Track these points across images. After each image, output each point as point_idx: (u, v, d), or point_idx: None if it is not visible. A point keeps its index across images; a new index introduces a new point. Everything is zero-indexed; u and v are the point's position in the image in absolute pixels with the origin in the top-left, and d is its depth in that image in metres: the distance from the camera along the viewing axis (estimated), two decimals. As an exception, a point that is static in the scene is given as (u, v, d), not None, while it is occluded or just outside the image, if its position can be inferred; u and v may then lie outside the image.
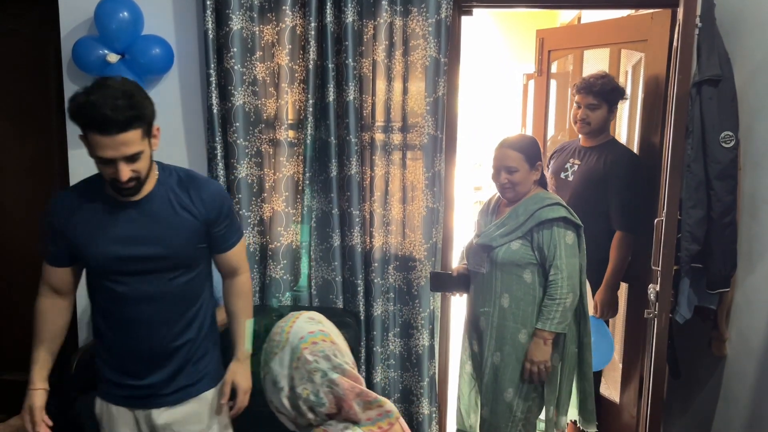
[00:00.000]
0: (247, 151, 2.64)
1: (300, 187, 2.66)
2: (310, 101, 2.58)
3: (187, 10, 2.69)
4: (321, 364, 1.31)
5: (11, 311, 3.14)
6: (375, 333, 2.68)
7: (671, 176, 2.13)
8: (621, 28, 3.03)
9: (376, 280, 2.66)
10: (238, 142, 2.61)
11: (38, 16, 2.93)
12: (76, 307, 2.78)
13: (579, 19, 4.20)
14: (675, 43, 2.15)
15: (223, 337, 1.98)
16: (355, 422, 1.34)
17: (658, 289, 2.16)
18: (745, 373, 2.23)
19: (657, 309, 2.17)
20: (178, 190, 1.75)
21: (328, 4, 2.51)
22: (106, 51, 2.60)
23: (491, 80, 6.66)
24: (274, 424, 1.42)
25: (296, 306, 2.73)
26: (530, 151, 2.29)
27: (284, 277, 2.69)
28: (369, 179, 2.65)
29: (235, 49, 2.55)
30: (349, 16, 2.50)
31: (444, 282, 2.55)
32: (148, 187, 1.72)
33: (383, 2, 2.51)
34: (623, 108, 3.23)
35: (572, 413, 2.46)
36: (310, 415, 1.33)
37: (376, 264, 2.66)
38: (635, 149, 2.94)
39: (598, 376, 2.92)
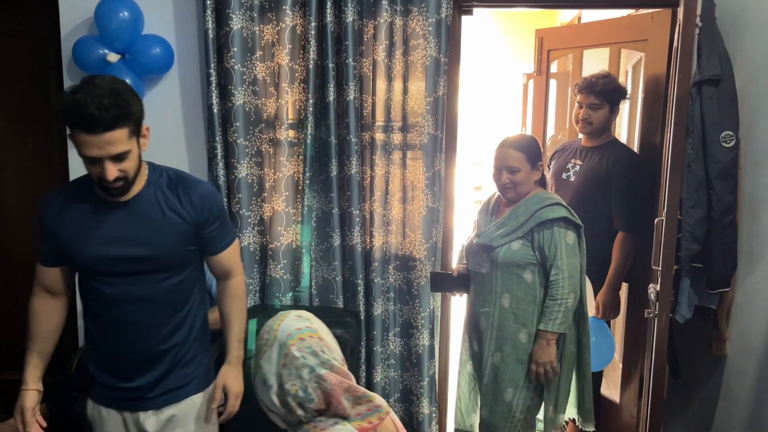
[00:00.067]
0: (247, 150, 2.64)
1: (300, 187, 2.66)
2: (311, 101, 2.58)
3: (187, 10, 2.69)
4: (308, 359, 1.32)
5: (12, 311, 3.14)
6: (375, 333, 2.68)
7: (671, 176, 2.13)
8: (621, 27, 3.03)
9: (376, 280, 2.66)
10: (238, 141, 2.61)
11: (38, 16, 2.93)
12: (77, 307, 2.78)
13: (579, 18, 4.20)
14: (675, 43, 2.15)
15: (217, 339, 1.94)
16: (345, 418, 1.35)
17: (658, 288, 2.16)
18: (745, 373, 2.23)
19: (657, 309, 2.17)
20: (167, 191, 1.73)
21: (329, 3, 2.51)
22: (106, 51, 2.60)
23: (491, 80, 6.66)
24: (267, 424, 1.43)
25: (297, 306, 2.73)
26: (532, 150, 2.29)
27: (284, 277, 2.69)
28: (369, 179, 2.65)
29: (235, 49, 2.55)
30: (350, 16, 2.50)
31: (444, 282, 2.55)
32: (138, 187, 1.70)
33: (383, 2, 2.50)
34: (623, 108, 3.23)
35: (571, 412, 2.46)
36: (300, 412, 1.33)
37: (376, 264, 2.66)
38: (635, 149, 2.94)
39: (598, 375, 2.92)
